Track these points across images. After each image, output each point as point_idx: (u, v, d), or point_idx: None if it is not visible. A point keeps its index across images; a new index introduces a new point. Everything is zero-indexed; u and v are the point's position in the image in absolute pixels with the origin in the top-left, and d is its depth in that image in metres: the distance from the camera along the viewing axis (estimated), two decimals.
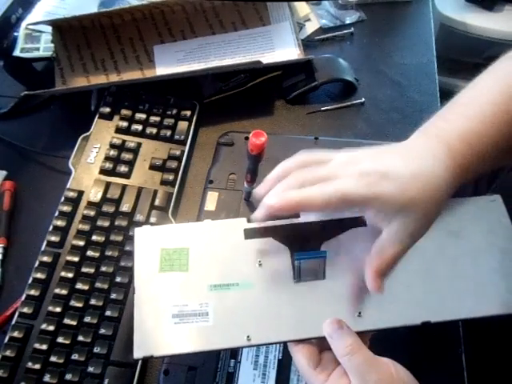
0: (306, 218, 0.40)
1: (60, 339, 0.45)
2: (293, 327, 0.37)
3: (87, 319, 0.46)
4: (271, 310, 0.37)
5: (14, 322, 0.47)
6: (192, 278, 0.38)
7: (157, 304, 0.37)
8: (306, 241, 0.39)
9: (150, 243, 0.39)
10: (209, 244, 0.39)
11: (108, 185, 0.54)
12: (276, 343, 0.42)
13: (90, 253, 0.49)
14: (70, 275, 0.48)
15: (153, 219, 0.52)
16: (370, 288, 0.35)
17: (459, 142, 0.36)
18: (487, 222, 0.41)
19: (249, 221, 0.40)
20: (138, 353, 0.35)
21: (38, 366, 0.44)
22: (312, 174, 0.36)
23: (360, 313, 0.37)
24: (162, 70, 0.64)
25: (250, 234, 0.40)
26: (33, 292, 0.47)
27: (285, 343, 0.37)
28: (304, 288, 0.38)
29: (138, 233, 0.40)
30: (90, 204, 0.52)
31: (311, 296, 0.38)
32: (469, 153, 0.36)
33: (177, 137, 0.58)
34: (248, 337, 0.36)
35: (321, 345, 0.36)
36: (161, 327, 0.36)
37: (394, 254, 0.34)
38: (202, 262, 0.39)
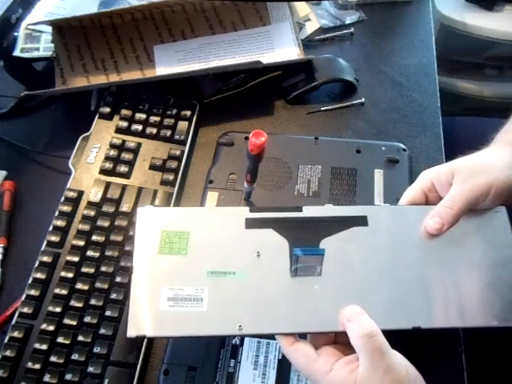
0: (308, 212, 0.40)
1: (60, 339, 0.45)
2: (285, 320, 0.37)
3: (87, 319, 0.46)
4: (265, 302, 0.37)
5: (14, 322, 0.46)
6: (190, 262, 0.38)
7: (153, 285, 0.37)
8: (306, 236, 0.39)
9: (151, 224, 0.40)
10: (209, 230, 0.40)
11: (108, 185, 0.54)
12: (267, 334, 0.43)
13: (89, 253, 0.49)
14: (70, 275, 0.48)
15: None
16: (429, 225, 0.40)
17: None
18: (490, 233, 0.41)
19: (251, 210, 0.40)
20: (131, 331, 0.36)
21: (38, 366, 0.44)
22: None
23: None
24: (161, 69, 0.64)
25: (251, 223, 0.40)
26: (33, 292, 0.47)
27: (274, 335, 0.38)
28: (299, 283, 0.38)
29: (141, 213, 0.40)
30: (90, 204, 0.52)
31: (306, 291, 0.38)
32: None
33: (177, 137, 0.58)
34: (240, 326, 0.36)
35: (314, 343, 0.37)
36: (156, 309, 0.37)
37: (461, 206, 0.40)
38: (200, 248, 0.39)
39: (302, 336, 0.37)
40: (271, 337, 0.44)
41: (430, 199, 0.43)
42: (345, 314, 0.36)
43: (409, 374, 0.34)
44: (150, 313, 0.37)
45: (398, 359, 0.34)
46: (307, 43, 0.70)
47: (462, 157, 0.44)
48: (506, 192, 0.41)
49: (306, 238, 0.39)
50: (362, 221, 0.40)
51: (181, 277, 0.38)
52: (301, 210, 0.40)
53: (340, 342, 0.38)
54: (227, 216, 0.40)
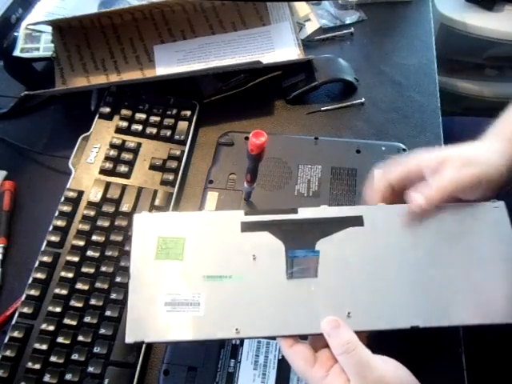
0: (303, 214, 0.40)
1: (60, 339, 0.45)
2: (282, 323, 0.37)
3: (87, 319, 0.46)
4: (262, 305, 0.37)
5: (14, 322, 0.47)
6: (186, 267, 0.38)
7: (151, 291, 0.38)
8: (302, 237, 0.39)
9: (147, 230, 0.40)
10: (205, 234, 0.40)
11: (108, 185, 0.54)
12: (264, 337, 0.43)
13: (89, 253, 0.49)
14: (70, 275, 0.48)
15: None
16: (413, 202, 0.40)
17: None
18: (489, 228, 0.41)
19: (246, 214, 0.40)
20: (130, 337, 0.36)
21: (38, 366, 0.44)
22: None
23: (349, 313, 0.37)
24: (161, 69, 0.64)
25: (246, 227, 0.40)
26: (33, 292, 0.47)
27: (273, 338, 0.38)
28: (296, 285, 0.38)
29: (137, 219, 0.40)
30: (90, 204, 0.52)
31: (302, 293, 0.38)
32: None
33: (177, 137, 0.58)
34: (237, 329, 0.36)
35: (314, 345, 0.36)
36: (153, 314, 0.37)
37: (446, 187, 0.40)
38: (197, 252, 0.39)
39: (303, 337, 0.37)
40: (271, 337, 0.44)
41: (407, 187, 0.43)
42: (323, 328, 0.36)
43: (398, 375, 0.34)
44: (148, 318, 0.37)
45: (385, 366, 0.34)
46: (307, 43, 0.70)
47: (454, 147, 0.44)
48: (496, 183, 0.41)
49: (301, 240, 0.39)
50: (357, 221, 0.40)
51: (178, 282, 0.38)
52: (296, 212, 0.40)
53: None
54: (222, 220, 0.40)
